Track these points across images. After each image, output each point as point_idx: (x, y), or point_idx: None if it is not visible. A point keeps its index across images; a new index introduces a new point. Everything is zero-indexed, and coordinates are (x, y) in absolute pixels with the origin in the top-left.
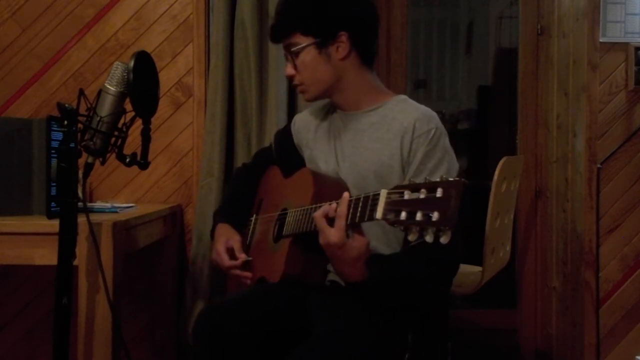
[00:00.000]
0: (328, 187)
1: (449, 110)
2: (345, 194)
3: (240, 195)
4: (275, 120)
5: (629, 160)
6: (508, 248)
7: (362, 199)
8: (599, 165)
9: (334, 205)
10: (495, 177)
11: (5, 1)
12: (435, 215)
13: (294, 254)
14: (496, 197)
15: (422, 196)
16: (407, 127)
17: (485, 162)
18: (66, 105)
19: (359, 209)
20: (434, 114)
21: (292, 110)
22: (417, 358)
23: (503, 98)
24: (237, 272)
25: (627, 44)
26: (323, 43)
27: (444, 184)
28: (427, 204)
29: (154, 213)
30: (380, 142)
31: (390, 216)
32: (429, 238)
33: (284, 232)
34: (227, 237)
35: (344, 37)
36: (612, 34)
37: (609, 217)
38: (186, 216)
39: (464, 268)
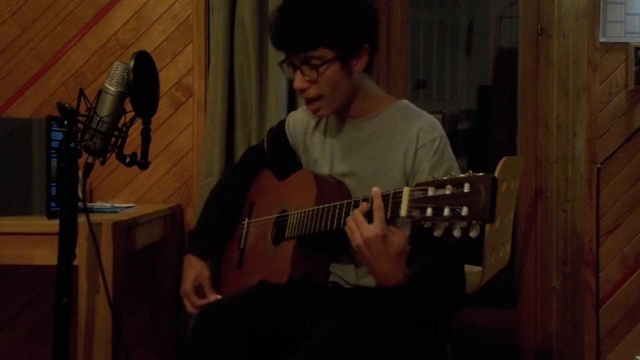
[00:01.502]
0: (330, 189)
1: (449, 110)
2: (375, 188)
3: (219, 214)
4: (275, 120)
5: (629, 160)
6: (508, 248)
7: (383, 197)
8: (599, 165)
9: (364, 204)
10: (496, 177)
11: (5, 1)
12: (464, 210)
13: (299, 255)
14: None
15: (447, 192)
16: (411, 137)
17: (485, 162)
18: (66, 105)
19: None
20: (437, 121)
21: (292, 110)
22: (416, 359)
23: (503, 98)
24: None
25: (627, 44)
26: (346, 56)
27: (471, 179)
28: (455, 199)
29: (154, 213)
30: (380, 152)
31: (415, 213)
32: (456, 233)
33: (286, 234)
34: (197, 273)
35: (365, 50)
36: (612, 34)
37: (609, 217)
38: (186, 216)
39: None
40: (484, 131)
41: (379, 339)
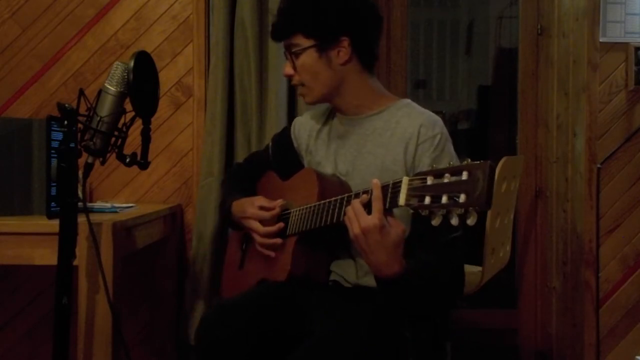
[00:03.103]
0: (332, 187)
1: (449, 110)
2: (375, 180)
3: (243, 185)
4: (275, 120)
5: (629, 160)
6: (508, 248)
7: (382, 188)
8: (599, 165)
9: (364, 195)
10: (496, 177)
11: (5, 1)
12: (462, 197)
13: (299, 252)
14: (496, 197)
15: (446, 180)
16: (412, 132)
17: None
18: (66, 105)
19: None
20: (438, 118)
21: (292, 110)
22: (416, 358)
23: (503, 98)
24: (270, 240)
25: (627, 44)
26: (324, 46)
27: (468, 166)
28: (453, 187)
29: (154, 213)
30: (383, 147)
31: (413, 201)
32: (454, 221)
33: (287, 232)
34: (251, 200)
35: (345, 42)
36: (612, 34)
37: (609, 217)
38: (186, 216)
39: (464, 268)
40: (484, 131)
41: (379, 338)
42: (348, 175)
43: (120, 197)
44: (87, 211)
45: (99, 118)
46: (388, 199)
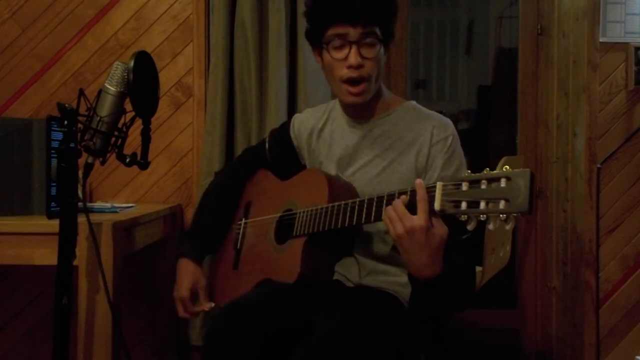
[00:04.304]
0: (340, 188)
1: (449, 110)
2: (418, 180)
3: (216, 213)
4: (275, 120)
5: (629, 160)
6: (508, 248)
7: (410, 192)
8: (599, 165)
9: (403, 196)
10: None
11: (5, 1)
12: (502, 203)
13: (309, 253)
14: None
15: (483, 187)
16: (425, 135)
17: (485, 162)
18: (66, 105)
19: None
20: (449, 120)
21: (292, 110)
22: (416, 358)
23: (503, 98)
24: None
25: (627, 44)
26: (386, 45)
27: (507, 174)
28: (491, 193)
29: (154, 213)
30: (391, 150)
31: (448, 207)
32: (491, 226)
33: (295, 232)
34: (194, 280)
35: (389, 45)
36: (612, 34)
37: (609, 217)
38: (186, 216)
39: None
40: (484, 131)
41: (379, 338)
42: (353, 176)
43: (120, 197)
44: (87, 211)
45: (99, 118)
46: None
